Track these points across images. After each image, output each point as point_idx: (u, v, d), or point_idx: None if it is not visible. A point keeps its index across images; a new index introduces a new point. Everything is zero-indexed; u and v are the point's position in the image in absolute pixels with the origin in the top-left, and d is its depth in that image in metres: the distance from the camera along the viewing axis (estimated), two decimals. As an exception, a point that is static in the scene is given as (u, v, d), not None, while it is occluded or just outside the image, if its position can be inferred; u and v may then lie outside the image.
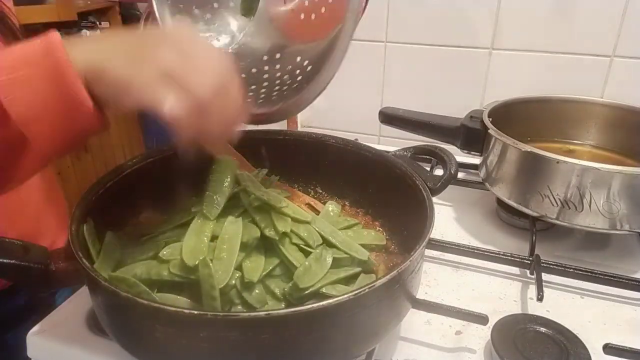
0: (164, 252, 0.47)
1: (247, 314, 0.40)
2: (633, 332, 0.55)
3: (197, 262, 0.44)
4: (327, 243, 0.51)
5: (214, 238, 0.48)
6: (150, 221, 0.58)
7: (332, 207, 0.62)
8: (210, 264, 0.44)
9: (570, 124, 0.84)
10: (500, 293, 0.61)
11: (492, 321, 0.51)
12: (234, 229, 0.48)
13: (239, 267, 0.46)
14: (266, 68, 0.59)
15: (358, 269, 0.50)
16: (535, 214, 0.67)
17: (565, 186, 0.62)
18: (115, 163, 0.57)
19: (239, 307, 0.45)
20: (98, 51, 0.40)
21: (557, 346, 0.48)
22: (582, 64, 0.95)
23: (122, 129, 2.37)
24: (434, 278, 0.63)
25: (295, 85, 0.54)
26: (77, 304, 0.55)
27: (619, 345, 0.49)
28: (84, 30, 2.06)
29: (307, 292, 0.45)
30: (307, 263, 0.48)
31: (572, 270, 0.60)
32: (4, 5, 0.60)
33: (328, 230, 0.52)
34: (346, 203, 0.66)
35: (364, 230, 0.59)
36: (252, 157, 0.65)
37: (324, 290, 0.46)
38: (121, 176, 0.56)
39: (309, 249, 0.50)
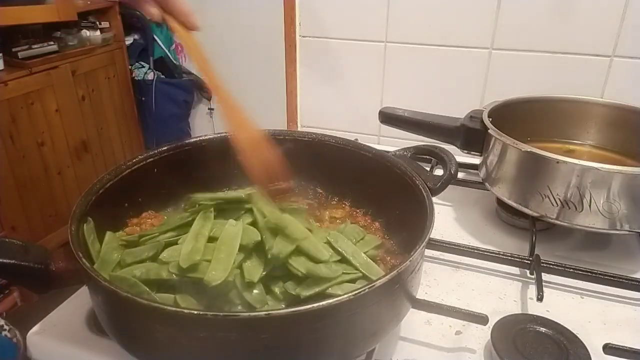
0: (164, 255, 0.47)
1: (247, 314, 0.40)
2: (633, 332, 0.55)
3: (190, 264, 0.44)
4: (345, 262, 0.49)
5: (213, 239, 0.48)
6: (150, 221, 0.58)
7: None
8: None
9: (570, 124, 0.84)
10: (500, 293, 0.61)
11: (492, 321, 0.51)
12: (234, 231, 0.48)
13: (239, 267, 0.46)
14: None
15: (359, 274, 0.50)
16: (535, 214, 0.67)
17: (565, 186, 0.62)
18: (115, 163, 0.57)
19: (239, 307, 0.45)
20: None
21: (557, 346, 0.48)
22: (582, 64, 0.95)
23: (122, 129, 2.37)
24: (434, 278, 0.63)
25: None
26: (77, 304, 0.55)
27: (619, 345, 0.49)
28: (84, 30, 2.06)
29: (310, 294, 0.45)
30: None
31: (572, 270, 0.60)
32: None
33: (350, 250, 0.50)
34: (346, 203, 0.66)
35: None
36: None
37: (329, 290, 0.46)
38: (121, 176, 0.56)
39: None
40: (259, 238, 0.48)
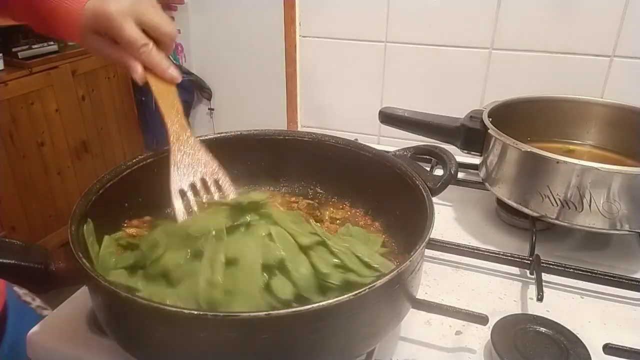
0: (181, 291, 0.43)
1: (247, 314, 0.40)
2: (633, 332, 0.55)
3: (211, 302, 0.42)
4: (365, 265, 0.48)
5: (230, 261, 0.44)
6: (150, 222, 0.58)
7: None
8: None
9: (570, 124, 0.84)
10: (500, 293, 0.61)
11: (492, 321, 0.51)
12: (252, 255, 0.45)
13: (267, 288, 0.43)
14: None
15: (380, 274, 0.50)
16: (535, 214, 0.67)
17: (565, 186, 0.62)
18: (115, 163, 0.57)
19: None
20: None
21: (557, 346, 0.48)
22: (582, 64, 0.95)
23: (122, 129, 2.37)
24: (434, 278, 0.63)
25: None
26: (77, 304, 0.55)
27: (619, 345, 0.49)
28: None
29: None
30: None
31: (572, 270, 0.60)
32: None
33: (367, 253, 0.50)
34: (346, 203, 0.66)
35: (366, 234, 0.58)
36: (252, 157, 0.65)
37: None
38: (121, 176, 0.56)
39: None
40: (283, 255, 0.45)
